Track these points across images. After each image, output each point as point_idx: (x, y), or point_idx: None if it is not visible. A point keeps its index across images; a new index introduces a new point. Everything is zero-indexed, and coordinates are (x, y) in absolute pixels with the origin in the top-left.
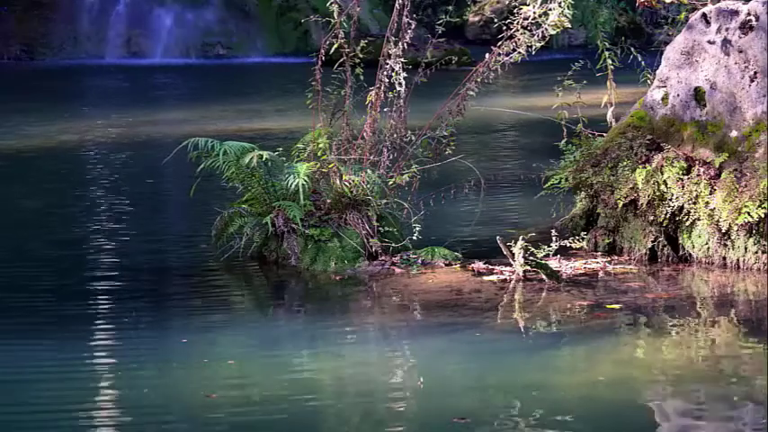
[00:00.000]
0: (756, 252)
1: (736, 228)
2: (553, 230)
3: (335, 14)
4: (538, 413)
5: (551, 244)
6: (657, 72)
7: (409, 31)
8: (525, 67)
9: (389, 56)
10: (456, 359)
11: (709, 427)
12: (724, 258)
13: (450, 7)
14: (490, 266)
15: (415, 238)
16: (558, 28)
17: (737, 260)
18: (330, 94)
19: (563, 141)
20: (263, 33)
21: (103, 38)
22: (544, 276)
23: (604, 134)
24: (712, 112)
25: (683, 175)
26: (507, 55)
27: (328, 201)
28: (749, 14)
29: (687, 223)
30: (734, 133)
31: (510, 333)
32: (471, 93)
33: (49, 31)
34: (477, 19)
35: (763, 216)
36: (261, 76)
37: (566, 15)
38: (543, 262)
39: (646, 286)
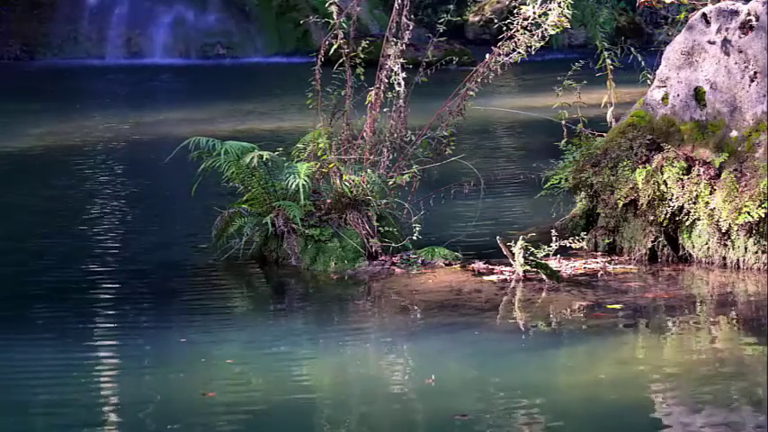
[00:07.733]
0: (756, 252)
1: (736, 228)
2: (553, 230)
3: (335, 15)
4: (538, 412)
5: (551, 244)
6: (657, 72)
7: (408, 31)
8: (525, 67)
9: (389, 56)
10: (456, 359)
11: (709, 426)
12: (724, 258)
13: (450, 7)
14: (490, 266)
15: (415, 238)
16: (558, 28)
17: (737, 260)
18: (330, 94)
19: (563, 141)
20: (263, 33)
21: (103, 38)
22: (544, 276)
23: (604, 134)
24: (712, 112)
25: (683, 175)
26: (507, 55)
27: (328, 201)
28: (749, 14)
29: (687, 223)
30: (734, 133)
31: (510, 333)
32: (471, 93)
33: (49, 31)
34: (477, 19)
35: (763, 216)
36: (261, 76)
37: (565, 15)
38: (543, 262)
39: (646, 286)
